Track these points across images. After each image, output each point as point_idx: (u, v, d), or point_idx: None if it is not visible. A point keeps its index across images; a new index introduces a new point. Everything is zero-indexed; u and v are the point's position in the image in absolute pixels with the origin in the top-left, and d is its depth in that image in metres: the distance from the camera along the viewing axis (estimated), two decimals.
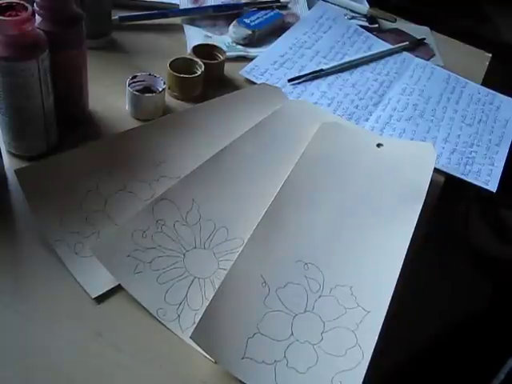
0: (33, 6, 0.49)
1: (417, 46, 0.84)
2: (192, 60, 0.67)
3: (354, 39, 0.82)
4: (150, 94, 0.61)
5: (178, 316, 0.45)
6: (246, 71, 0.71)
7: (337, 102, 0.70)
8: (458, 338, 0.88)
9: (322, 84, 0.72)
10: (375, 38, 0.83)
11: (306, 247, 0.50)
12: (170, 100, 0.65)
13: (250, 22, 0.77)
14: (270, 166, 0.57)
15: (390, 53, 0.81)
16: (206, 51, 0.70)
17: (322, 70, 0.74)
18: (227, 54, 0.71)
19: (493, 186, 0.64)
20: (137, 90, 0.61)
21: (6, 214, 0.50)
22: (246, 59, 0.74)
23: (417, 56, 0.82)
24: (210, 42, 0.72)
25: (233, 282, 0.46)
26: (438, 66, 0.81)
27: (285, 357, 0.43)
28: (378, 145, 0.61)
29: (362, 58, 0.78)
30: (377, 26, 0.86)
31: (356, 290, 0.48)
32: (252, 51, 0.76)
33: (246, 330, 0.44)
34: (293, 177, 0.54)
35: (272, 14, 0.80)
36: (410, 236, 0.51)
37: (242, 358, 0.43)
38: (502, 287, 1.05)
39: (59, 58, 0.53)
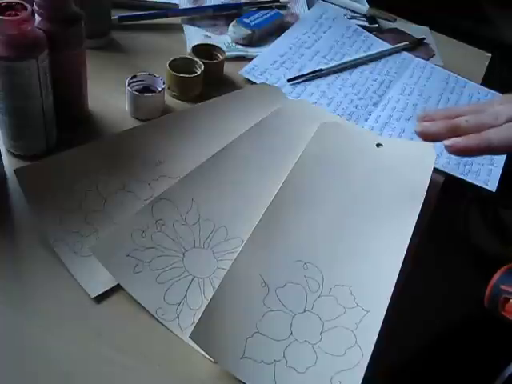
0: (32, 5, 0.49)
1: (416, 46, 0.84)
2: (192, 60, 0.67)
3: (353, 39, 0.82)
4: (150, 94, 0.61)
5: (178, 316, 0.45)
6: (245, 71, 0.71)
7: (336, 102, 0.70)
8: (457, 337, 0.88)
9: (321, 84, 0.72)
10: (375, 37, 0.83)
11: (305, 247, 0.50)
12: (169, 100, 0.65)
13: (250, 21, 0.77)
14: (269, 165, 0.57)
15: (389, 53, 0.81)
16: (205, 51, 0.70)
17: (321, 69, 0.74)
18: (227, 53, 0.71)
19: (492, 186, 0.64)
20: (136, 90, 0.61)
21: (5, 213, 0.50)
22: (246, 59, 0.74)
23: (416, 56, 0.82)
24: (209, 42, 0.72)
25: (232, 282, 0.46)
26: (437, 65, 0.81)
27: (284, 356, 0.43)
28: (378, 145, 0.61)
29: (362, 57, 0.78)
30: (376, 25, 0.86)
31: (355, 290, 0.48)
32: (251, 51, 0.76)
33: (245, 330, 0.44)
34: (292, 176, 0.54)
35: (272, 13, 0.80)
36: (410, 236, 0.51)
37: (241, 358, 0.43)
38: None
39: (59, 58, 0.53)
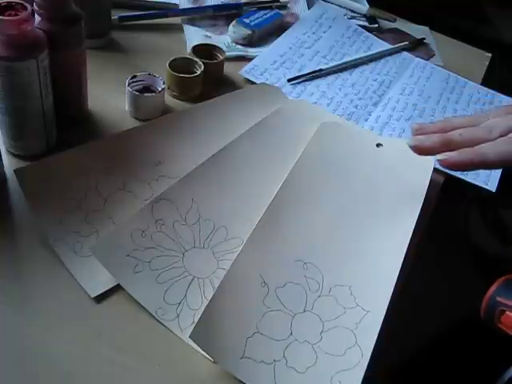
0: (32, 5, 0.49)
1: (416, 46, 0.84)
2: (191, 60, 0.67)
3: (353, 39, 0.82)
4: (150, 94, 0.61)
5: (177, 315, 0.45)
6: (245, 71, 0.71)
7: (336, 102, 0.70)
8: (457, 338, 0.88)
9: (321, 84, 0.72)
10: (375, 37, 0.83)
11: (305, 247, 0.50)
12: (169, 100, 0.65)
13: (250, 21, 0.77)
14: (269, 165, 0.57)
15: (389, 53, 0.81)
16: (205, 51, 0.70)
17: (321, 69, 0.74)
18: (227, 53, 0.71)
19: (492, 186, 0.64)
20: (136, 90, 0.61)
21: (5, 213, 0.50)
22: (246, 59, 0.74)
23: (416, 56, 0.82)
24: (209, 42, 0.72)
25: (232, 282, 0.46)
26: (437, 65, 0.81)
27: (284, 356, 0.43)
28: (378, 145, 0.61)
29: (362, 57, 0.78)
30: (376, 25, 0.86)
31: (355, 290, 0.48)
32: (251, 51, 0.76)
33: (245, 330, 0.44)
34: (292, 176, 0.54)
35: (272, 13, 0.80)
36: (410, 236, 0.51)
37: (241, 358, 0.43)
38: None
39: (59, 58, 0.53)
